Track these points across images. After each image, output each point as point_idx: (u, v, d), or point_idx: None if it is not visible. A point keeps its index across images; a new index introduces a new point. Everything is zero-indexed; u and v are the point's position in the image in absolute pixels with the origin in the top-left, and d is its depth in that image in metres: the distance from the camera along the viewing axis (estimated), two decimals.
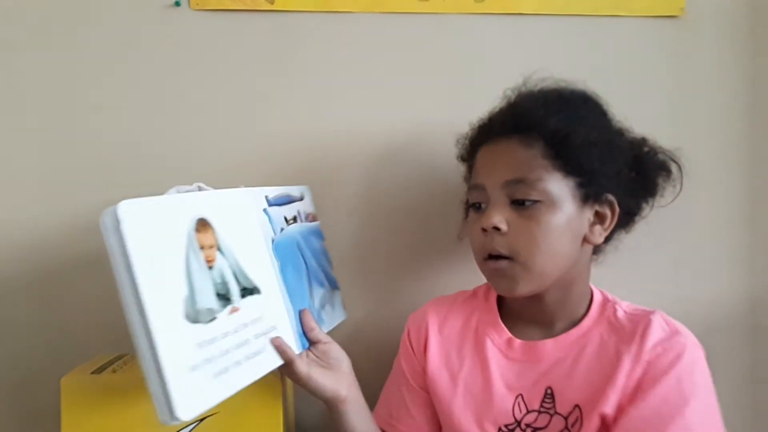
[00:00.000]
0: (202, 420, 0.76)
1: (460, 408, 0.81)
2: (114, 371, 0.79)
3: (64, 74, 0.97)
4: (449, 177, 0.97)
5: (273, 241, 0.79)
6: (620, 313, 0.79)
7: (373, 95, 1.02)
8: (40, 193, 0.97)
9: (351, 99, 1.02)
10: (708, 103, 1.02)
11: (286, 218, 0.85)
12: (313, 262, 0.89)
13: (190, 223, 0.65)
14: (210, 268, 0.67)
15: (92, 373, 0.78)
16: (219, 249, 0.69)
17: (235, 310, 0.68)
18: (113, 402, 0.75)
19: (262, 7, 1.00)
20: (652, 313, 0.78)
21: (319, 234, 0.94)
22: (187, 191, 0.74)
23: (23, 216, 0.96)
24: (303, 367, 0.74)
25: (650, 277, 0.92)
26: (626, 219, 0.83)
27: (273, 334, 0.73)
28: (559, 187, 0.75)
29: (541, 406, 0.76)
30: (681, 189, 0.87)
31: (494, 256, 0.77)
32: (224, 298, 0.67)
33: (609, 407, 0.72)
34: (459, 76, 1.02)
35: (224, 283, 0.68)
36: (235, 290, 0.69)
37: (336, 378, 0.78)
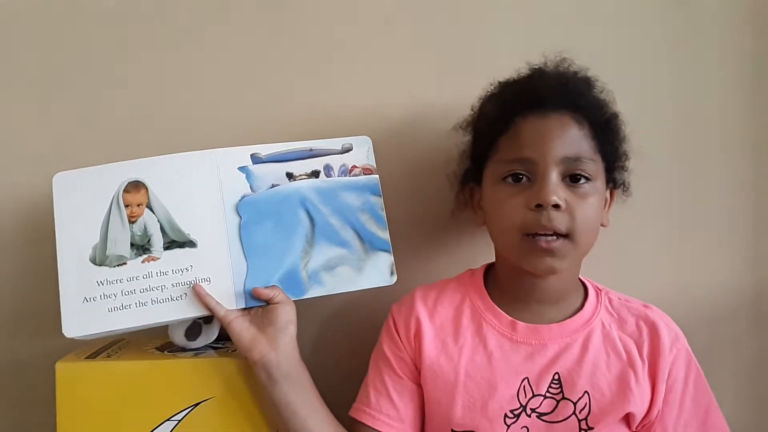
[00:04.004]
0: (197, 404, 0.76)
1: (463, 398, 0.76)
2: (109, 356, 0.78)
3: (55, 53, 0.96)
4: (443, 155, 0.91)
5: (243, 197, 0.81)
6: (615, 301, 0.81)
7: (369, 69, 0.98)
8: (34, 174, 0.94)
9: (347, 73, 0.98)
10: (711, 85, 0.97)
11: (290, 174, 0.84)
12: (332, 219, 0.83)
13: (119, 185, 0.80)
14: (132, 222, 0.79)
15: (87, 358, 0.77)
16: (149, 206, 0.80)
17: (151, 259, 0.78)
18: (108, 387, 0.75)
19: None
20: (648, 308, 0.81)
21: (362, 189, 0.84)
22: None
23: (15, 198, 0.96)
24: (223, 314, 0.75)
25: (654, 266, 0.89)
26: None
27: (203, 285, 0.77)
28: (600, 170, 0.76)
29: (548, 391, 0.75)
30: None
31: (544, 234, 0.73)
32: (141, 248, 0.78)
33: (634, 407, 0.73)
34: (454, 52, 0.98)
35: (145, 236, 0.79)
36: (158, 242, 0.79)
37: (255, 337, 0.74)
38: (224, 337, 0.85)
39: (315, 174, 0.83)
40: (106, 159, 0.81)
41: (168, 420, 0.75)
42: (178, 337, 0.82)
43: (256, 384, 0.76)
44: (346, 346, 0.95)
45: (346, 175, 0.84)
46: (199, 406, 0.76)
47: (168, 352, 0.82)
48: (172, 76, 0.98)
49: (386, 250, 0.82)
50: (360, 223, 0.83)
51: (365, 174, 0.85)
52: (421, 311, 0.80)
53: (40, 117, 0.99)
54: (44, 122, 0.99)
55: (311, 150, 0.84)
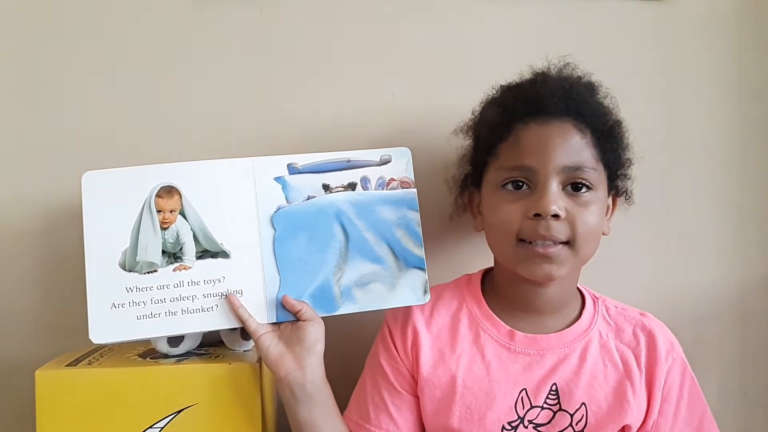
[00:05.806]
0: (180, 411, 0.74)
1: (460, 409, 0.75)
2: (90, 363, 0.77)
3: (45, 59, 0.95)
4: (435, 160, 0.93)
5: (278, 209, 0.79)
6: (611, 309, 0.81)
7: (355, 74, 0.98)
8: (21, 184, 0.95)
9: (332, 78, 0.98)
10: (694, 90, 1.01)
11: (327, 186, 0.81)
12: (367, 234, 0.81)
13: (151, 189, 0.78)
14: (164, 229, 0.77)
15: (67, 365, 0.75)
16: (182, 213, 0.78)
17: (183, 267, 0.76)
18: (90, 395, 0.73)
19: None
20: (644, 316, 0.81)
21: (399, 203, 0.82)
22: None
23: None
24: (254, 327, 0.74)
25: (640, 266, 0.89)
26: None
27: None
28: (602, 178, 0.76)
29: (545, 402, 0.74)
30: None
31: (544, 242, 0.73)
32: (173, 256, 0.77)
33: (631, 418, 0.74)
34: (441, 55, 0.98)
35: (177, 243, 0.77)
36: (190, 251, 0.77)
37: (282, 354, 0.73)
38: (207, 343, 0.85)
39: (352, 186, 0.81)
40: (134, 162, 0.79)
41: (151, 427, 0.74)
42: (161, 344, 0.80)
43: (239, 390, 0.75)
44: (337, 348, 0.90)
45: (383, 188, 0.82)
46: (182, 413, 0.75)
47: (150, 358, 0.80)
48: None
49: (420, 268, 0.80)
50: (395, 239, 0.81)
51: (403, 187, 0.83)
52: (418, 319, 0.80)
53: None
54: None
55: (349, 161, 0.82)
